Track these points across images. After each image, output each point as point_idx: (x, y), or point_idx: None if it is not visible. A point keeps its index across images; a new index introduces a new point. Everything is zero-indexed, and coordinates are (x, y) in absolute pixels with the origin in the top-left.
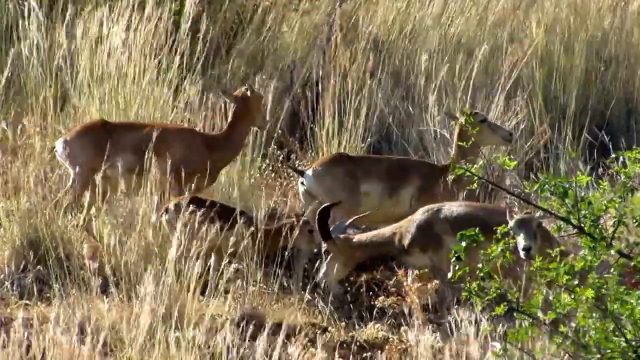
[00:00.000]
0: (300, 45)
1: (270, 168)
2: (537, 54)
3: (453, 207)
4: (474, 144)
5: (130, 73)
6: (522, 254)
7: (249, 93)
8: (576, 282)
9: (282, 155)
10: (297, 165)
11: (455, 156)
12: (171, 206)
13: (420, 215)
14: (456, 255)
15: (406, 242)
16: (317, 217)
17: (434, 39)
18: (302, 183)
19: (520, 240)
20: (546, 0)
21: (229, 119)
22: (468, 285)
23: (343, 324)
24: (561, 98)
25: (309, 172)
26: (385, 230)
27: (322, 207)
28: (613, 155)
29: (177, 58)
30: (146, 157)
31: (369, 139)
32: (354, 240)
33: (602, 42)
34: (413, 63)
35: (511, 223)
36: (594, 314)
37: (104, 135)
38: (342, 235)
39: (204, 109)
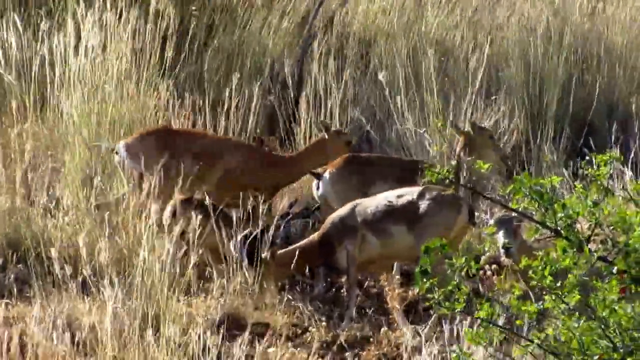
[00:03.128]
0: (279, 44)
1: None
2: (517, 54)
3: (368, 201)
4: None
5: (107, 73)
6: (502, 252)
7: (325, 135)
8: (559, 284)
9: None
10: None
11: (456, 168)
12: (178, 204)
13: (336, 212)
14: (422, 269)
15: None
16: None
17: (412, 38)
18: (318, 186)
19: (500, 238)
20: (526, 1)
21: (308, 145)
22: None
23: (324, 324)
24: (542, 99)
25: (326, 175)
26: (310, 237)
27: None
28: (587, 158)
29: (154, 57)
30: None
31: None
32: (282, 256)
33: (582, 44)
34: (393, 62)
35: (491, 222)
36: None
37: (166, 141)
38: (268, 253)
39: (181, 108)
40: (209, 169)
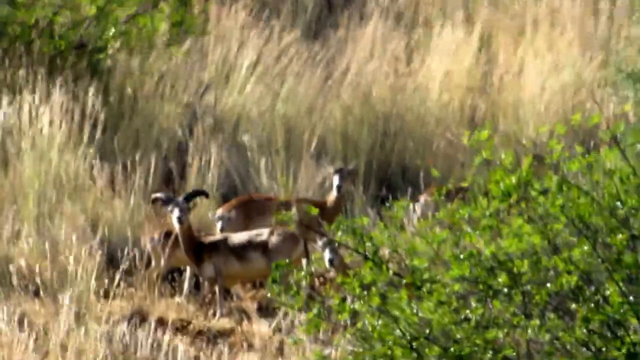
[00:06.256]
0: (175, 123)
1: (153, 210)
2: (337, 129)
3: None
4: None
5: (51, 143)
6: (327, 264)
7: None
8: (366, 292)
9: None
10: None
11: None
12: (156, 236)
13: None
14: (273, 279)
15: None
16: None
17: (263, 120)
18: None
19: (327, 254)
20: (345, 92)
21: None
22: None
23: (201, 318)
24: (355, 162)
25: None
26: (198, 236)
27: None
28: (387, 204)
29: (83, 133)
30: None
31: (221, 189)
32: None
33: (384, 123)
34: (255, 135)
35: (320, 243)
36: (379, 316)
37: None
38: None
39: (102, 170)
40: None
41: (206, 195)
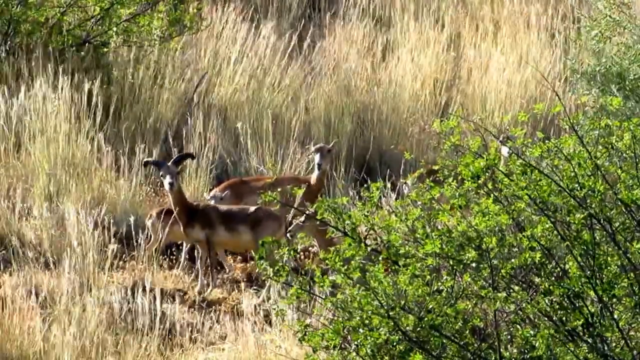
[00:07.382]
0: (172, 110)
1: (153, 190)
2: (320, 117)
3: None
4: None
5: (60, 129)
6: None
7: None
8: (345, 267)
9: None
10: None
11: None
12: (155, 213)
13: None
14: (260, 256)
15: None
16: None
17: (252, 109)
18: None
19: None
20: (327, 84)
21: None
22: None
23: (196, 289)
24: (337, 148)
25: None
26: (193, 203)
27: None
28: (365, 186)
29: (89, 119)
30: None
31: (215, 171)
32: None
33: (363, 112)
34: (244, 122)
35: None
36: (359, 288)
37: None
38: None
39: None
40: None
41: (192, 157)
